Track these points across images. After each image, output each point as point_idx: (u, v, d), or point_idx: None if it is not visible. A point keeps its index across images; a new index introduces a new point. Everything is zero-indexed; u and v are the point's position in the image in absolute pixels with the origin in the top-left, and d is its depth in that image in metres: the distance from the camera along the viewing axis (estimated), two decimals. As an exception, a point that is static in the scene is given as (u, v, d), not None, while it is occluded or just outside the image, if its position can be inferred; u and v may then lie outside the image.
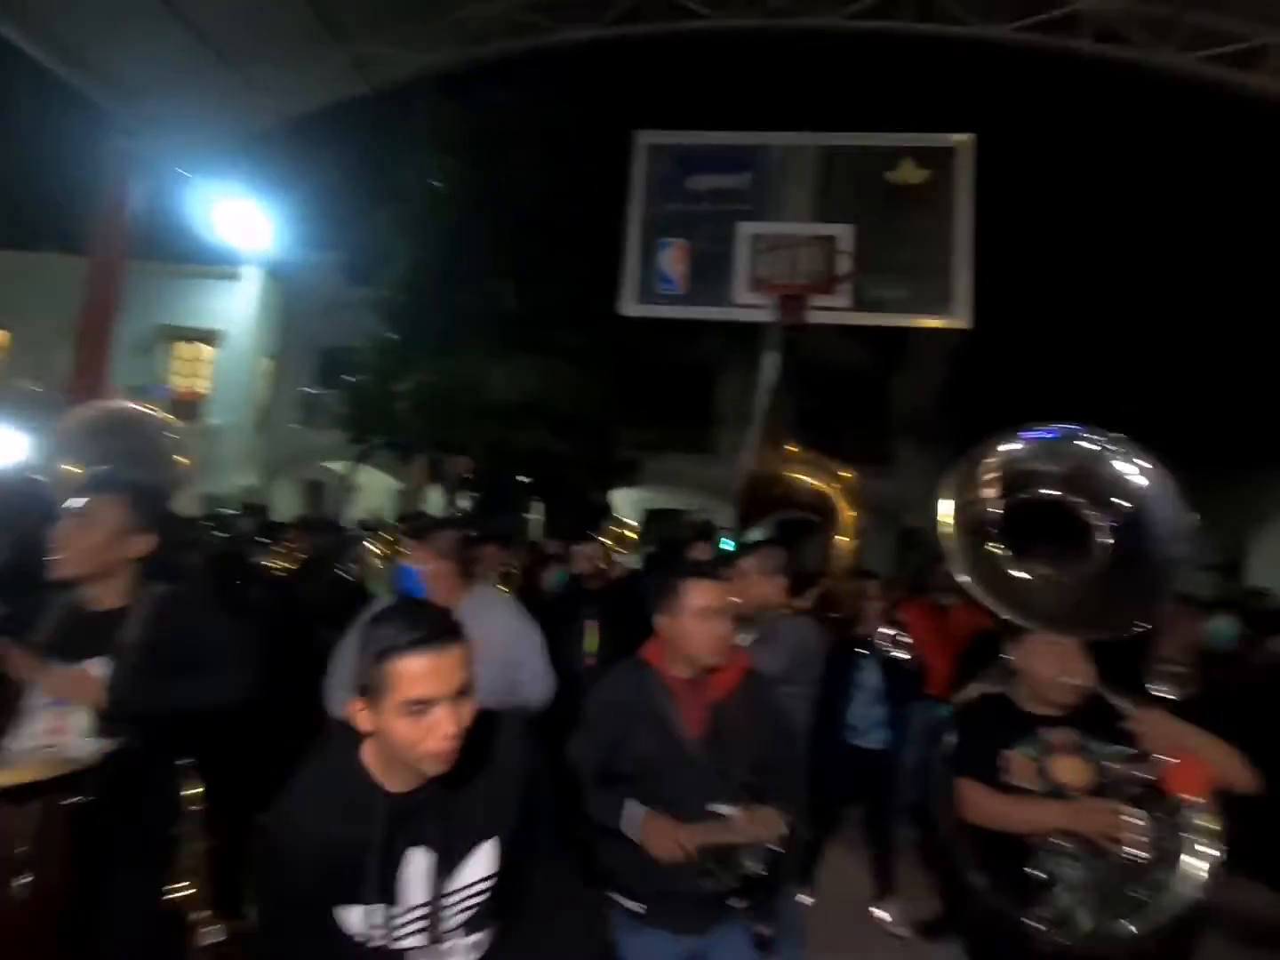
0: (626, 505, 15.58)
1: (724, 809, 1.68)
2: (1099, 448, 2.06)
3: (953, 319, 2.86)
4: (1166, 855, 1.71)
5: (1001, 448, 2.16)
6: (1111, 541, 2.00)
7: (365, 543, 3.69)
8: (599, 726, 1.86)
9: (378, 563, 3.29)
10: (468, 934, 1.24)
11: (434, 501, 12.44)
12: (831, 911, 3.37)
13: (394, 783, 1.19)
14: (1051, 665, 1.88)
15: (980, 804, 1.89)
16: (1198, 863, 1.69)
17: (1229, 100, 8.15)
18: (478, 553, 3.46)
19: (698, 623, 1.78)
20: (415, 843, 1.20)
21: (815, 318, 2.86)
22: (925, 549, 6.43)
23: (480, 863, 1.24)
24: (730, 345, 12.06)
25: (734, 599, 1.87)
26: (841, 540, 2.85)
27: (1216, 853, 1.69)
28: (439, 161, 11.35)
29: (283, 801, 1.22)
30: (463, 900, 1.23)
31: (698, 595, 1.80)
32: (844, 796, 3.59)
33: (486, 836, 1.25)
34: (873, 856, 3.62)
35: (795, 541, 3.46)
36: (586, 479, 12.61)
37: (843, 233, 2.98)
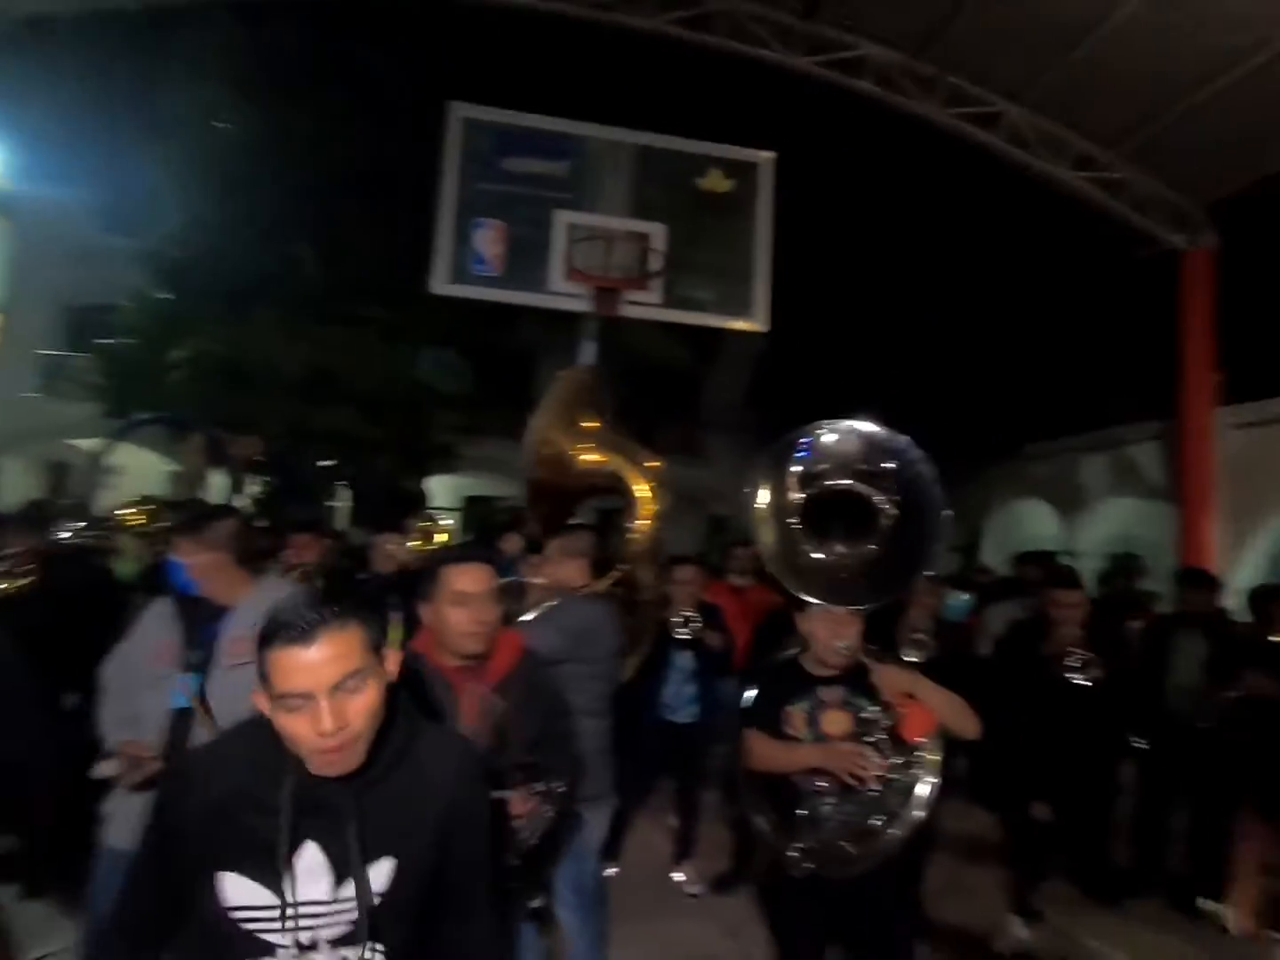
0: (444, 492, 15.00)
1: (501, 794, 1.68)
2: (880, 440, 2.32)
3: (753, 322, 3.10)
4: (901, 787, 2.04)
5: (801, 441, 2.40)
6: (890, 524, 2.26)
7: (121, 534, 3.20)
8: None
9: (132, 556, 2.88)
10: (333, 949, 1.15)
11: (218, 486, 11.07)
12: (634, 878, 3.55)
13: (304, 767, 1.12)
14: (828, 632, 2.15)
15: (758, 751, 2.16)
16: (923, 790, 2.04)
17: (972, 149, 9.64)
18: (268, 543, 3.16)
19: (453, 608, 1.75)
20: (310, 836, 1.14)
21: (628, 312, 2.94)
22: (727, 535, 6.88)
23: (375, 878, 1.15)
24: (551, 332, 12.04)
25: (497, 582, 1.85)
26: (641, 525, 2.96)
27: (936, 781, 2.04)
28: (224, 97, 9.95)
29: (191, 750, 1.16)
30: (340, 912, 1.15)
31: (455, 580, 1.77)
32: (655, 770, 3.80)
33: (385, 854, 1.15)
34: (679, 824, 3.87)
35: (612, 528, 3.56)
36: (398, 465, 11.95)
37: (656, 231, 3.09)
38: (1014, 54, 8.68)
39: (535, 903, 2.00)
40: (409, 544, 4.12)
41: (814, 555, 2.30)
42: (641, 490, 3.02)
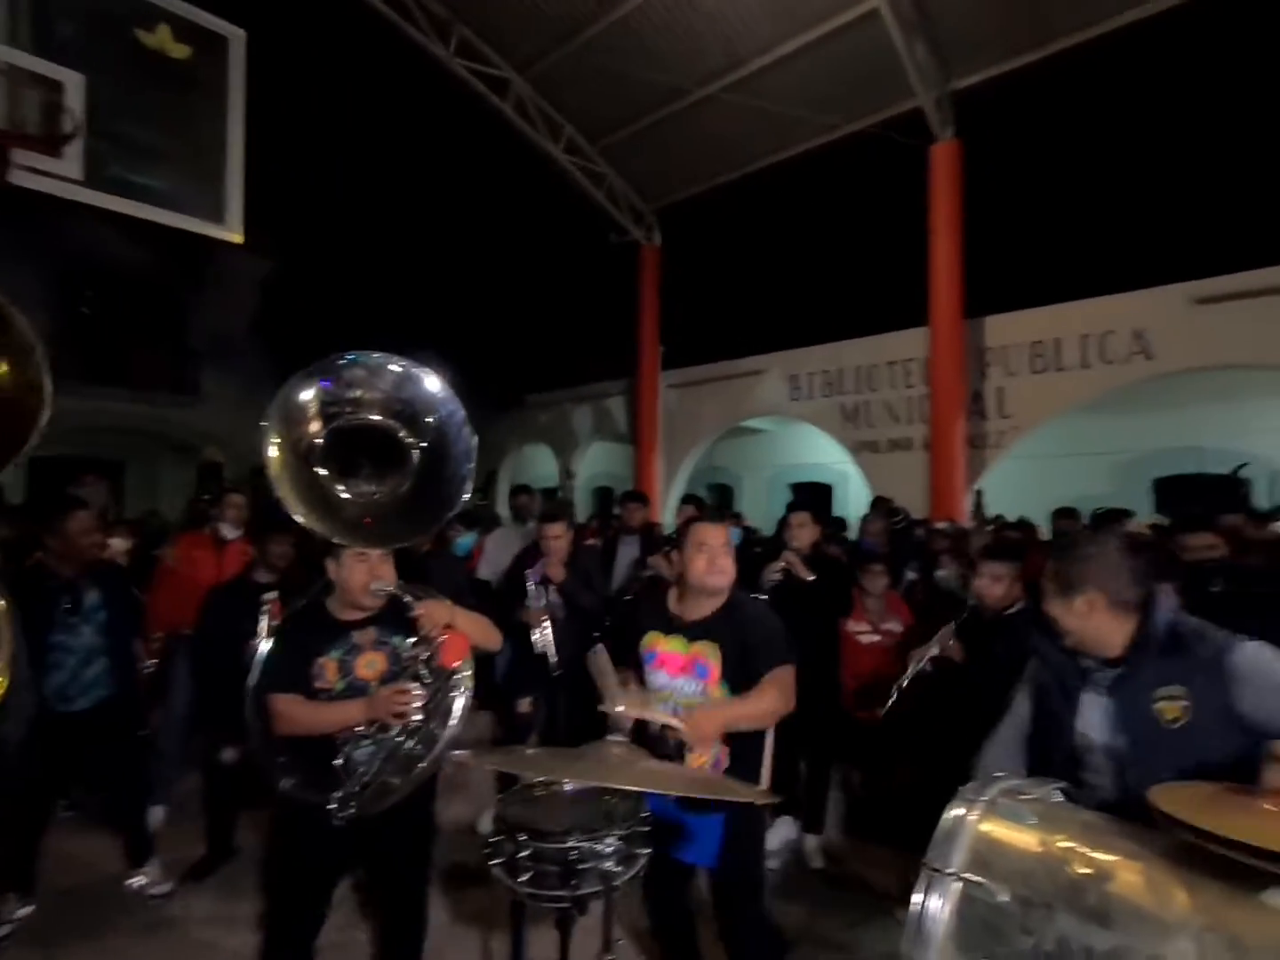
0: None
1: None
2: (410, 378, 2.21)
3: (227, 231, 2.66)
4: (441, 710, 2.11)
5: (325, 373, 2.18)
6: (418, 461, 2.21)
7: None
8: None
9: None
10: None
11: None
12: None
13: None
14: (363, 575, 2.10)
15: (292, 715, 2.03)
16: (459, 707, 2.13)
17: (483, 109, 10.15)
18: None
19: None
20: None
21: (29, 181, 2.14)
22: (219, 481, 6.02)
23: None
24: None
25: None
26: None
27: (469, 695, 2.15)
28: None
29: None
30: None
31: None
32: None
33: None
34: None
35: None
36: None
37: (72, 81, 2.27)
38: (527, 27, 9.33)
39: None
40: None
41: (343, 495, 2.18)
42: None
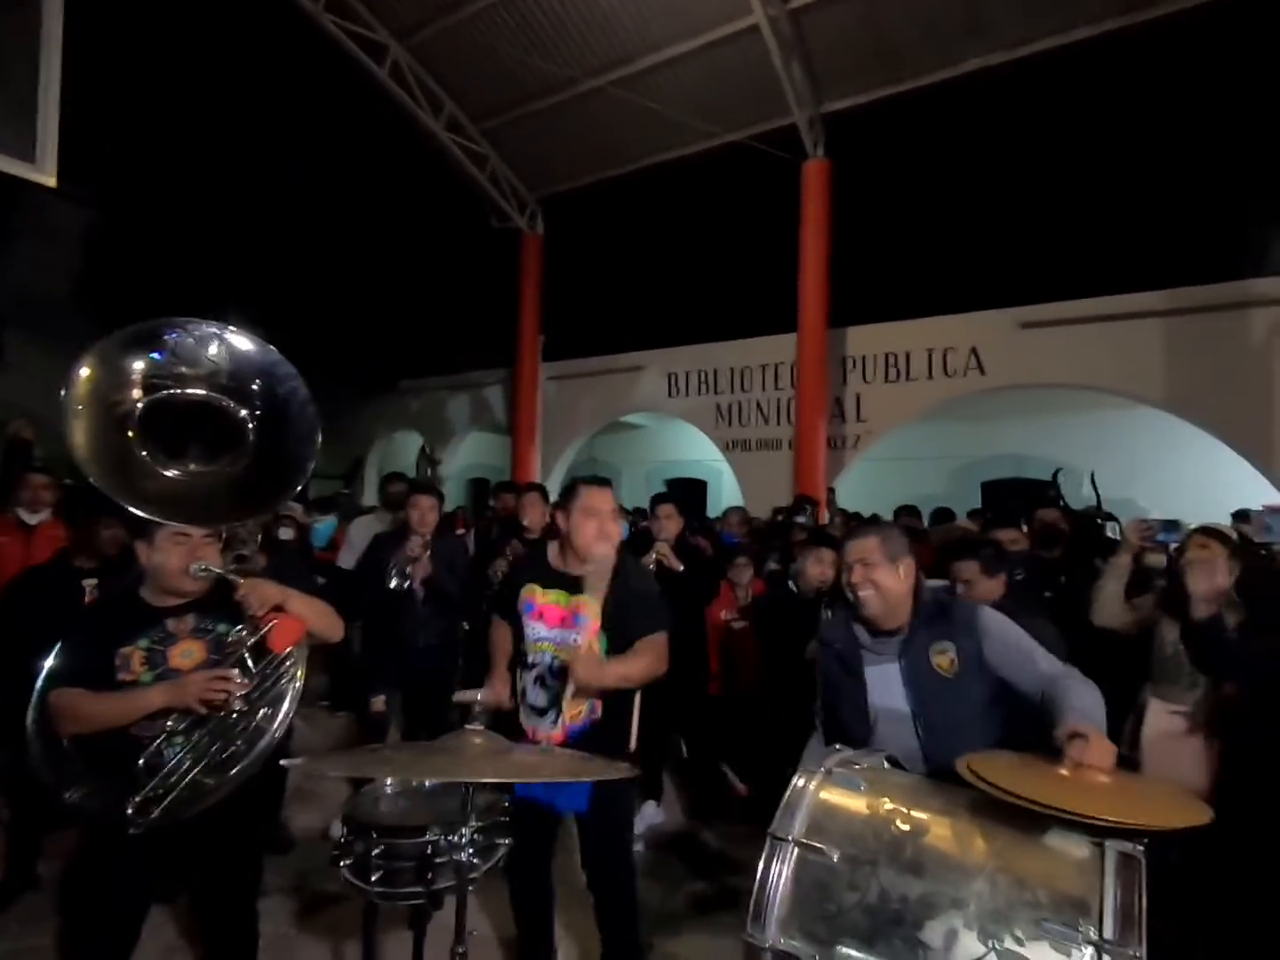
0: None
1: None
2: (249, 351, 2.05)
3: (36, 172, 2.30)
4: (268, 699, 1.94)
5: (149, 339, 1.96)
6: (255, 439, 2.05)
7: None
8: None
9: None
10: None
11: None
12: None
13: None
14: (181, 556, 1.91)
15: (75, 709, 1.79)
16: (288, 699, 1.96)
17: (356, 73, 9.55)
18: None
19: None
20: None
21: None
22: (27, 460, 5.32)
23: None
24: None
25: None
26: None
27: (299, 685, 1.98)
28: None
29: None
30: None
31: None
32: None
33: None
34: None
35: None
36: None
37: None
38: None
39: None
40: None
41: (166, 474, 1.98)
42: None
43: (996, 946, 1.19)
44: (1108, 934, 1.13)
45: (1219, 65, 6.91)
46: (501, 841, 1.69)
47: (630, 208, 10.94)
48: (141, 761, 1.79)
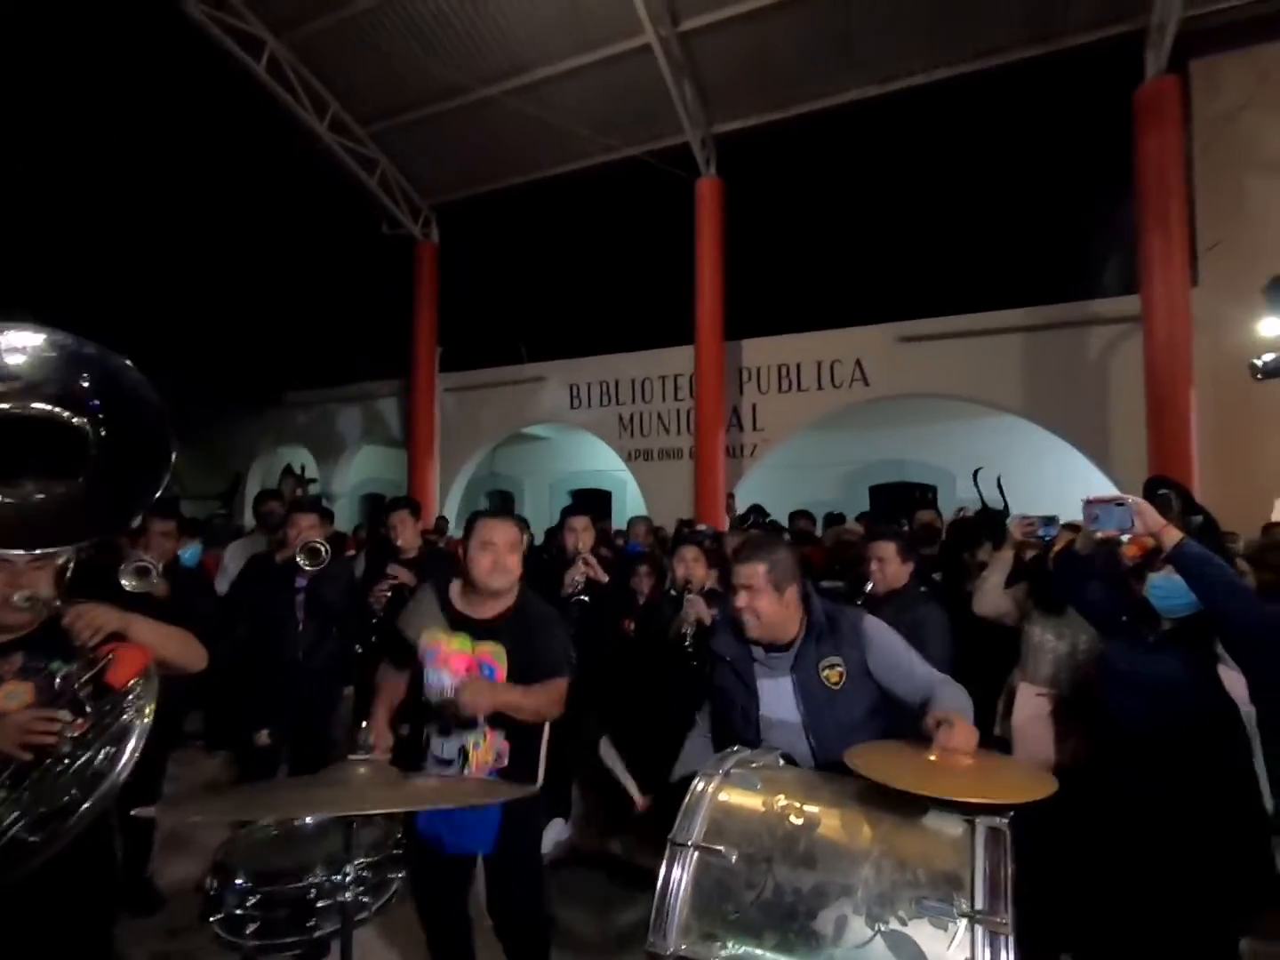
0: None
1: None
2: (69, 350, 1.85)
3: None
4: (110, 737, 1.71)
5: None
6: (99, 451, 1.79)
7: None
8: None
9: None
10: None
11: None
12: None
13: None
14: (4, 584, 1.69)
15: None
16: (134, 738, 1.72)
17: (232, 71, 8.97)
18: None
19: None
20: None
21: None
22: None
23: None
24: None
25: None
26: None
27: (147, 721, 1.75)
28: None
29: None
30: None
31: None
32: None
33: None
34: None
35: None
36: None
37: None
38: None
39: None
40: None
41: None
42: None
43: (882, 929, 1.24)
44: (978, 905, 1.20)
45: (1068, 108, 7.71)
46: (394, 876, 1.60)
47: (529, 218, 10.88)
48: None
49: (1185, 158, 6.89)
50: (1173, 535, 2.02)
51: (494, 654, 2.15)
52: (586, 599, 3.59)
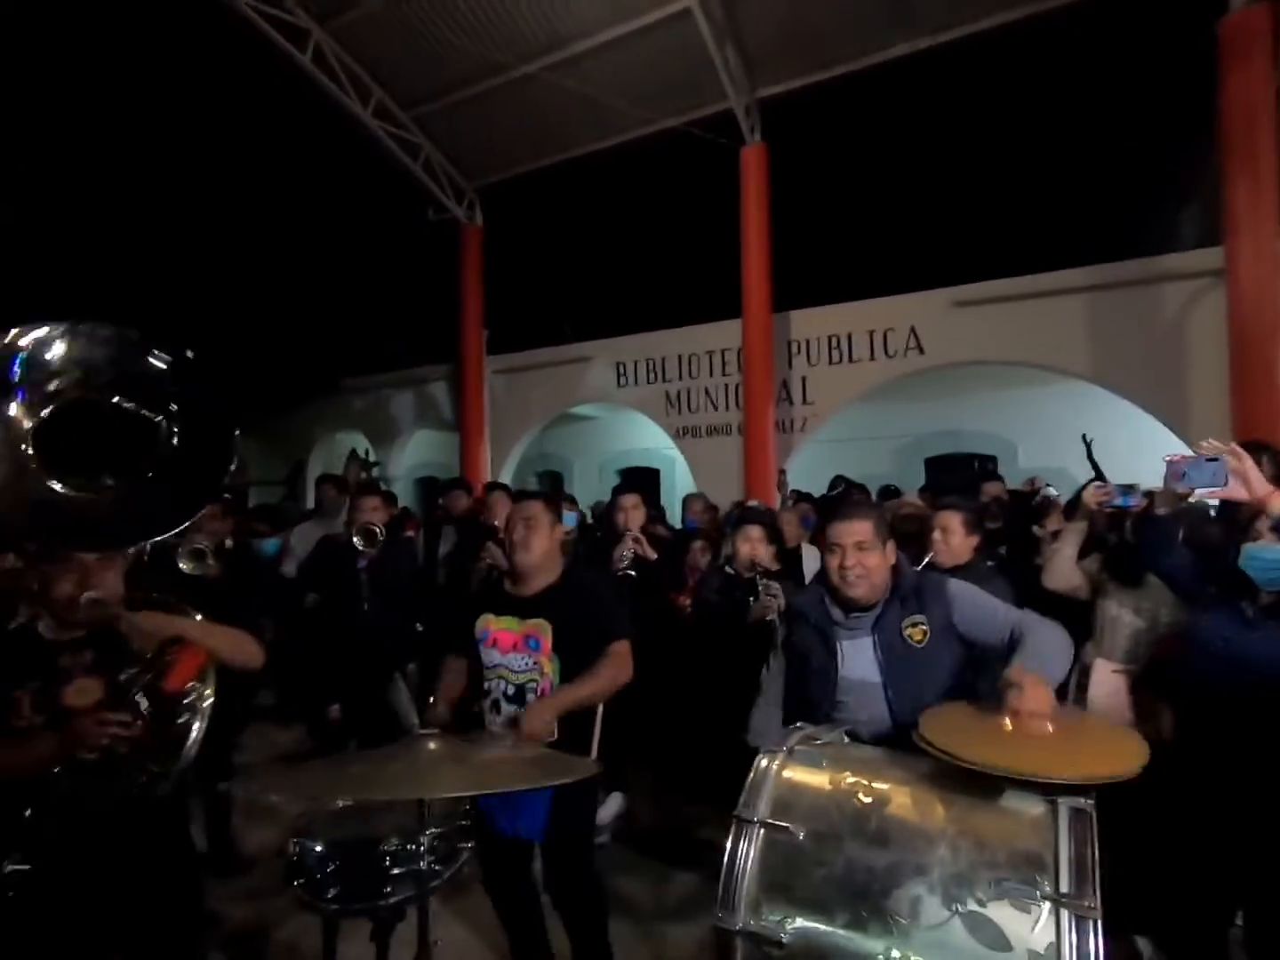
0: None
1: None
2: (130, 345, 1.91)
3: None
4: (170, 740, 1.81)
5: (18, 350, 1.77)
6: (168, 446, 1.82)
7: None
8: None
9: None
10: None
11: None
12: None
13: None
14: (70, 586, 1.74)
15: None
16: (194, 736, 1.84)
17: (276, 60, 9.11)
18: None
19: None
20: None
21: None
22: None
23: None
24: None
25: None
26: None
27: (203, 723, 1.86)
28: None
29: None
30: None
31: None
32: None
33: None
34: None
35: None
36: None
37: None
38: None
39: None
40: None
41: (73, 494, 1.79)
42: None
43: (960, 909, 1.21)
44: (1064, 888, 1.16)
45: (1139, 49, 7.20)
46: (464, 846, 1.65)
47: (570, 196, 10.80)
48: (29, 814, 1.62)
49: (1277, 95, 6.38)
50: None
51: (539, 629, 2.22)
52: (634, 574, 3.61)
